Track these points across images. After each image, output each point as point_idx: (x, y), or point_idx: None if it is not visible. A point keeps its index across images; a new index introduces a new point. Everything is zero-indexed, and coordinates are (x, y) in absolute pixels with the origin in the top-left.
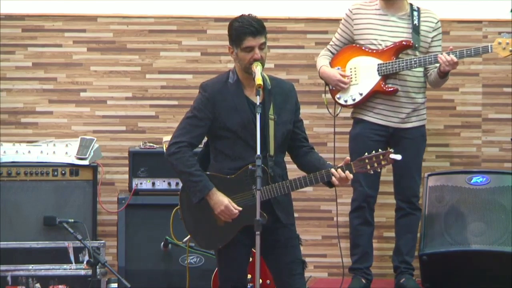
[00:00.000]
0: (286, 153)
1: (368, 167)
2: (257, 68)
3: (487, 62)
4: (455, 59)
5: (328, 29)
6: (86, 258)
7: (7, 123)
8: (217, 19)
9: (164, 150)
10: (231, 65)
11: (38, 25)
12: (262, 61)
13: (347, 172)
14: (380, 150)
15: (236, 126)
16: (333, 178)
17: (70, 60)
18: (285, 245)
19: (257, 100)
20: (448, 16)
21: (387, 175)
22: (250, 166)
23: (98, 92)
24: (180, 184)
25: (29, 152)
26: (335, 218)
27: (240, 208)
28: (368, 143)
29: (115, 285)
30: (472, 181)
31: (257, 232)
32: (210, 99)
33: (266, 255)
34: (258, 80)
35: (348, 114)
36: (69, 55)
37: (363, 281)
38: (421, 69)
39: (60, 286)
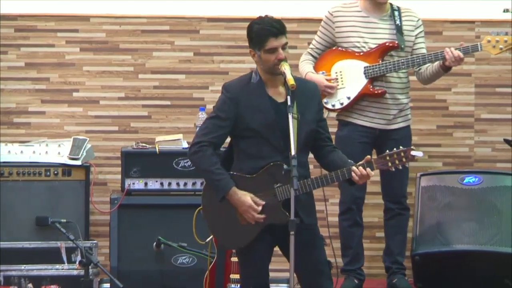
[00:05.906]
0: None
1: (390, 164)
2: (286, 69)
3: (479, 62)
4: (462, 55)
5: None
6: (79, 258)
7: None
8: (210, 19)
9: (157, 151)
10: (223, 65)
11: (31, 25)
12: (286, 60)
13: (368, 169)
14: (401, 147)
15: (259, 126)
16: (353, 175)
17: (63, 60)
18: (311, 246)
19: (288, 100)
20: (441, 16)
21: (376, 175)
22: (284, 166)
23: (90, 92)
24: (173, 185)
25: (21, 152)
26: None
27: (263, 202)
28: (355, 145)
29: (108, 285)
30: (464, 181)
31: (291, 232)
32: (233, 99)
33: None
34: (291, 81)
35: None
36: (61, 55)
37: (356, 281)
38: (405, 70)
39: (52, 286)
